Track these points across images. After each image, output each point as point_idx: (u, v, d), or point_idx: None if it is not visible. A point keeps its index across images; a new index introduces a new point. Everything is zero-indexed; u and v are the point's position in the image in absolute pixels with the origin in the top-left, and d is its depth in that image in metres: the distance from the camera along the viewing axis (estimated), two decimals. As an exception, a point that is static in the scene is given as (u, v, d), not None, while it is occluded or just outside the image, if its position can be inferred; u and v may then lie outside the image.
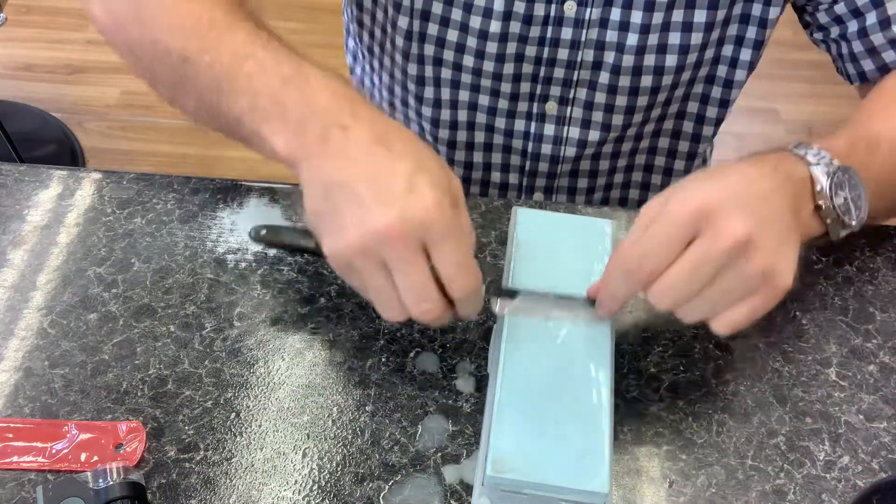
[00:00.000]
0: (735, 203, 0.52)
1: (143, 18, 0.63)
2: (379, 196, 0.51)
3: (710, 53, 0.81)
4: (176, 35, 0.61)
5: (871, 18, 0.74)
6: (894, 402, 0.64)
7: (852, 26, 0.76)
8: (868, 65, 0.77)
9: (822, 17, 0.78)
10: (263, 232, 0.70)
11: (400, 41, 0.82)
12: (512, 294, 0.59)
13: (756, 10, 0.78)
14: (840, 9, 0.76)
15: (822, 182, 0.58)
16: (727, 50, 0.81)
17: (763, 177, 0.56)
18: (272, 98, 0.56)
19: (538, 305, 0.59)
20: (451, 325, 0.66)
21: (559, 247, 0.62)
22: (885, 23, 0.74)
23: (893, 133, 0.68)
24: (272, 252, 0.70)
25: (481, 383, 0.63)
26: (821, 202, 0.58)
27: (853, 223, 0.60)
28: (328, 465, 0.59)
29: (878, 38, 0.75)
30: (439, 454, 0.59)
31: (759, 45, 0.81)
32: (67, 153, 2.02)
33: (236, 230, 0.72)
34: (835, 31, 0.78)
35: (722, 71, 0.83)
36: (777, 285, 0.53)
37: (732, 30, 0.79)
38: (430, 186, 0.51)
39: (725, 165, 0.57)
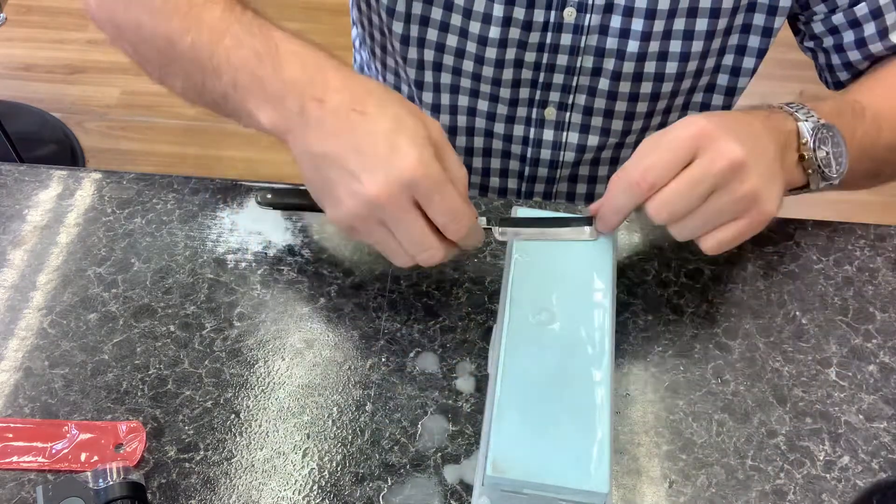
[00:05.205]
0: (732, 132, 0.56)
1: (129, 2, 0.65)
2: (364, 164, 0.53)
3: (711, 62, 0.80)
4: (159, 17, 0.63)
5: (870, 29, 0.75)
6: (894, 402, 0.64)
7: (848, 37, 0.76)
8: (864, 65, 0.78)
9: (818, 28, 0.78)
10: (269, 196, 0.71)
11: (397, 45, 0.82)
12: (514, 222, 0.62)
13: (759, 19, 0.78)
14: (838, 19, 0.76)
15: (807, 135, 0.63)
16: (728, 59, 0.81)
17: (755, 121, 0.61)
18: (250, 74, 0.58)
19: (539, 229, 0.62)
20: (451, 325, 0.66)
21: (559, 246, 0.62)
22: (883, 32, 0.75)
23: (877, 104, 0.71)
24: (272, 252, 0.70)
25: (481, 383, 0.63)
26: (805, 153, 0.63)
27: (833, 176, 0.64)
28: (328, 465, 0.59)
29: (877, 48, 0.76)
30: (439, 454, 0.59)
31: (762, 54, 0.80)
32: (67, 153, 2.02)
33: (236, 230, 0.72)
34: (828, 42, 0.78)
35: (723, 79, 0.82)
36: (763, 210, 0.57)
37: (734, 39, 0.79)
38: (411, 143, 0.53)
39: (720, 111, 0.60)
